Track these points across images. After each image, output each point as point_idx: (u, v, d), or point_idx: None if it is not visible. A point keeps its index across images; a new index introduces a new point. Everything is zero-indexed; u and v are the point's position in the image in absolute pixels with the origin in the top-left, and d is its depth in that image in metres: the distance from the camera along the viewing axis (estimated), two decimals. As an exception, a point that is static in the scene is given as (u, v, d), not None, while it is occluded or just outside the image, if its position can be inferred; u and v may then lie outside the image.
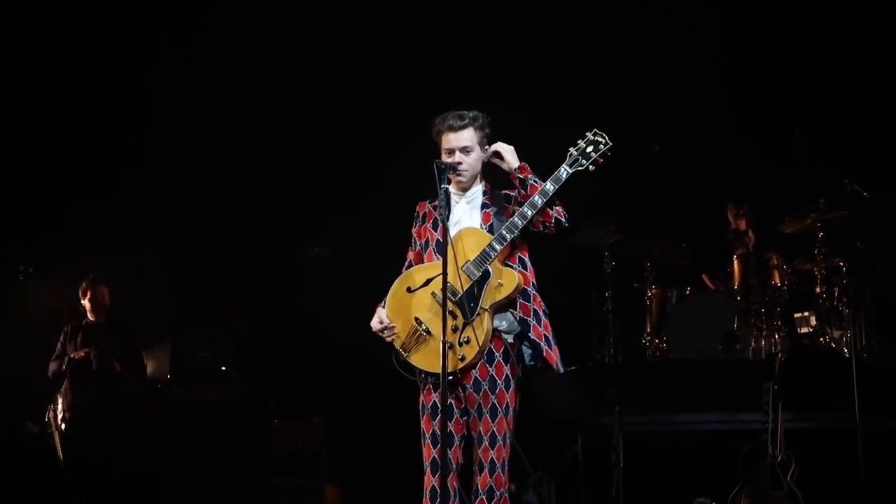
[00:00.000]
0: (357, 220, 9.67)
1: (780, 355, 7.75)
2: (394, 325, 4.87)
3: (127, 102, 9.54)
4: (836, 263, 8.45)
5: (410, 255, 5.10)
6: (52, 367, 8.29)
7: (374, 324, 4.92)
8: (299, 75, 9.56)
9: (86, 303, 8.44)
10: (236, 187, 9.64)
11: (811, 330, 8.60)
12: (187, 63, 9.49)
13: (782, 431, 6.87)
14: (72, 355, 8.15)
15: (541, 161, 4.96)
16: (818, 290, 8.51)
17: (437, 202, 4.93)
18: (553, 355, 4.86)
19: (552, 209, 4.80)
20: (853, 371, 6.97)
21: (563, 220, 4.83)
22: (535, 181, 4.80)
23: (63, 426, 8.09)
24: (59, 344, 8.37)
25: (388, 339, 4.88)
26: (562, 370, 4.92)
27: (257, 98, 9.50)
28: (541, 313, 4.89)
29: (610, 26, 9.25)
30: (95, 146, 9.61)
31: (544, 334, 4.86)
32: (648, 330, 8.82)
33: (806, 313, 8.71)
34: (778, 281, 8.61)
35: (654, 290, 8.86)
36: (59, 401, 8.17)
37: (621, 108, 9.23)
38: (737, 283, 8.75)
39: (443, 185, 4.75)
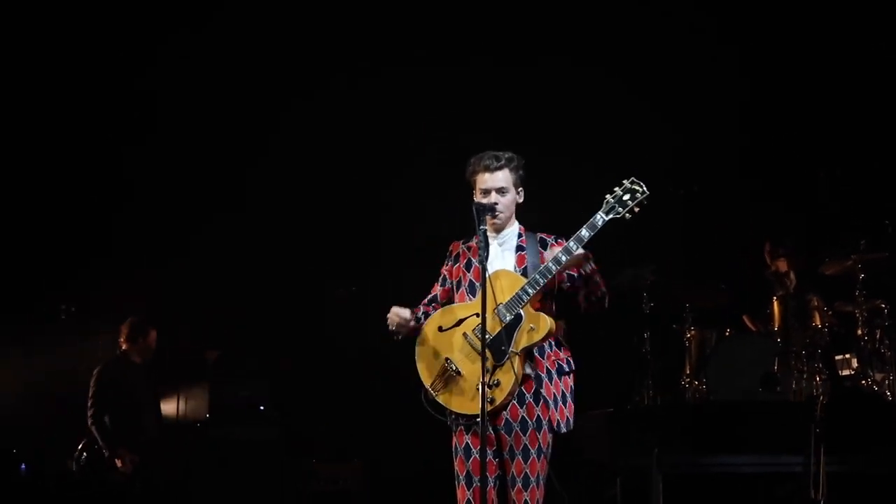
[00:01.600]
0: (382, 256, 9.71)
1: (821, 398, 7.67)
2: (410, 320, 4.95)
3: (138, 137, 9.65)
4: (877, 305, 8.37)
5: (437, 290, 5.15)
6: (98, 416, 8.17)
7: (391, 315, 4.96)
8: (318, 108, 9.66)
9: (132, 345, 8.49)
10: (260, 227, 9.71)
11: (853, 372, 8.51)
12: (203, 92, 9.60)
13: (824, 475, 6.79)
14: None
15: (570, 201, 5.00)
16: (859, 332, 8.42)
17: (471, 243, 4.98)
18: (562, 413, 4.88)
19: (597, 287, 4.88)
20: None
21: (605, 300, 4.92)
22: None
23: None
24: (98, 388, 8.25)
25: (395, 332, 4.95)
26: (564, 430, 4.90)
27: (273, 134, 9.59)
28: (555, 372, 4.88)
29: (644, 65, 9.27)
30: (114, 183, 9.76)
31: (554, 393, 4.86)
32: (688, 371, 8.76)
33: (847, 355, 8.63)
34: (818, 323, 8.54)
35: (692, 332, 8.82)
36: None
37: (659, 149, 9.27)
38: (777, 325, 8.69)
39: (482, 227, 4.78)
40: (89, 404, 8.19)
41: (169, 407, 9.32)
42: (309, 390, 9.60)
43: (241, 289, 9.70)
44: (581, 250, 4.79)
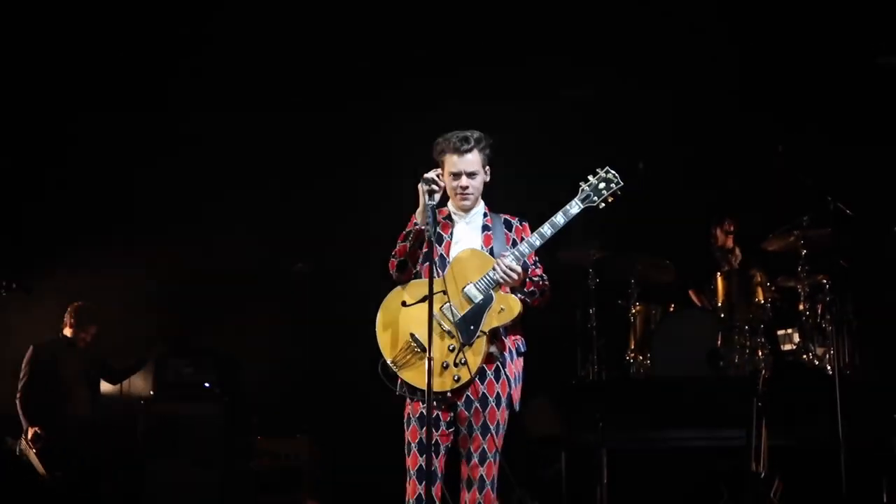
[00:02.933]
0: (341, 234, 9.65)
1: (763, 372, 7.76)
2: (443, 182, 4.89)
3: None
4: (819, 280, 8.47)
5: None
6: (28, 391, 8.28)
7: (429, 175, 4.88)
8: (284, 91, 9.56)
9: (77, 330, 8.58)
10: (216, 203, 9.61)
11: (794, 347, 8.61)
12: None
13: (766, 448, 6.87)
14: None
15: (506, 175, 5.01)
16: (801, 307, 8.52)
17: (439, 217, 4.97)
18: (516, 393, 4.92)
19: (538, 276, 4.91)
20: (836, 388, 6.98)
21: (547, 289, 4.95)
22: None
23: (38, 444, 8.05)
24: (31, 367, 8.35)
25: (430, 190, 4.83)
26: (518, 409, 4.95)
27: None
28: (514, 352, 4.91)
29: (588, 40, 9.25)
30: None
31: (516, 372, 4.90)
32: (632, 347, 8.81)
33: (789, 330, 8.72)
34: (761, 298, 8.62)
35: (638, 307, 8.86)
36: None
37: (604, 125, 9.28)
38: (720, 301, 8.76)
39: (430, 202, 4.76)
40: (20, 383, 8.31)
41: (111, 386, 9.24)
42: (257, 368, 9.54)
43: (192, 265, 9.62)
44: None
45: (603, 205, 4.93)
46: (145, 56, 9.27)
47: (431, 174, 4.86)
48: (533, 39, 9.21)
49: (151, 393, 9.01)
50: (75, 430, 8.28)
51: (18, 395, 8.28)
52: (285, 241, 9.72)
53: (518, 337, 4.97)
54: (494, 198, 5.15)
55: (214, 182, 9.57)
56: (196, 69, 9.38)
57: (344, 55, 9.41)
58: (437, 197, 4.87)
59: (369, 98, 9.51)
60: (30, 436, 8.05)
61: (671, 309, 8.93)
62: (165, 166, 9.53)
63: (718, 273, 8.90)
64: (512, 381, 4.87)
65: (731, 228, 9.25)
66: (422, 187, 4.81)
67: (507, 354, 4.87)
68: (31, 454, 7.97)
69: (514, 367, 4.91)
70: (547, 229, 4.82)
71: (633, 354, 8.78)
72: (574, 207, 4.88)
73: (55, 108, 9.35)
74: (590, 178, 4.97)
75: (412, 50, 9.32)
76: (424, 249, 4.88)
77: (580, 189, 4.94)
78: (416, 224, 4.88)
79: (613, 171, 4.98)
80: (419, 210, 4.85)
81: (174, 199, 9.66)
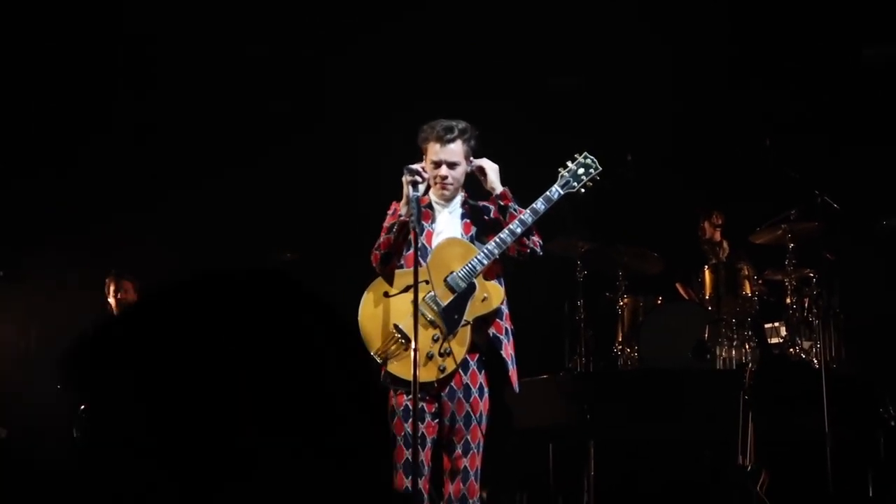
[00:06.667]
0: (327, 224, 9.61)
1: (750, 365, 7.77)
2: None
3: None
4: (806, 274, 8.49)
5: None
6: None
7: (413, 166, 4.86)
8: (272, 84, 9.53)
9: (112, 299, 8.41)
10: (199, 191, 9.57)
11: (781, 340, 8.63)
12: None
13: (752, 441, 6.88)
14: None
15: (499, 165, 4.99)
16: (788, 300, 8.53)
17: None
18: (514, 375, 4.90)
19: (529, 238, 4.85)
20: (823, 381, 6.99)
21: (538, 250, 4.90)
22: (514, 209, 4.84)
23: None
24: None
25: (413, 181, 4.81)
26: (518, 390, 4.95)
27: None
28: (511, 333, 4.92)
29: (577, 32, 9.23)
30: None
31: (511, 354, 4.90)
32: (620, 339, 8.82)
33: (776, 324, 8.74)
34: (748, 291, 8.63)
35: (625, 300, 8.86)
36: None
37: (591, 116, 9.27)
38: (708, 293, 8.77)
39: (414, 193, 4.74)
40: None
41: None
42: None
43: (179, 254, 9.57)
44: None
45: (583, 190, 4.97)
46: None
47: (416, 166, 4.85)
48: (521, 29, 9.19)
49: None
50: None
51: None
52: (272, 230, 9.68)
53: (508, 321, 4.97)
54: (482, 188, 5.13)
55: (200, 169, 9.53)
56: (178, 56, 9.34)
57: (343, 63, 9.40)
58: (422, 188, 4.85)
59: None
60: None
61: (659, 301, 8.94)
62: (144, 158, 9.49)
63: (706, 266, 8.91)
64: (509, 362, 4.89)
65: (719, 221, 9.27)
66: (405, 178, 4.79)
67: (503, 336, 4.87)
68: None
69: (512, 348, 4.93)
70: (528, 216, 4.83)
71: (620, 346, 8.79)
72: (555, 194, 4.92)
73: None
74: (568, 163, 5.02)
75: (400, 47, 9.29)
76: (410, 240, 4.87)
77: (559, 175, 4.98)
78: (399, 215, 4.86)
79: (592, 157, 5.05)
80: (403, 201, 4.84)
81: (153, 192, 9.57)
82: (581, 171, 4.98)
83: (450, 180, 4.94)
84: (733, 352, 8.34)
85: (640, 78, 9.39)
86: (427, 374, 4.67)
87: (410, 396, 4.65)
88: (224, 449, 1.86)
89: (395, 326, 4.76)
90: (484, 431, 4.83)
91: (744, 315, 8.49)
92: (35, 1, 8.85)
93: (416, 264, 4.61)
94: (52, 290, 8.93)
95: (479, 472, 4.82)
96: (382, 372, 4.80)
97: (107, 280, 8.47)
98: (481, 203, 5.07)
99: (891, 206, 8.41)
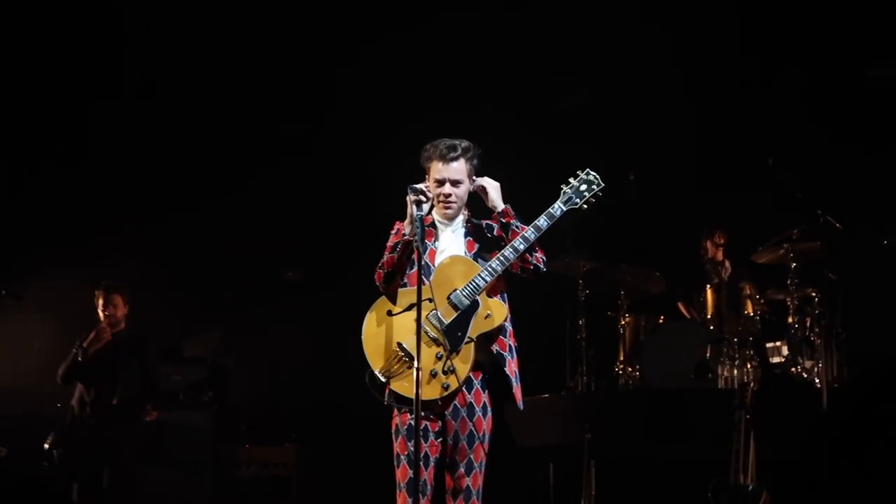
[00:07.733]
0: (331, 243, 9.63)
1: (752, 385, 7.76)
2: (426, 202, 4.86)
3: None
4: (808, 294, 8.49)
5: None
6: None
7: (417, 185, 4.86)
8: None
9: (101, 313, 7.97)
10: (203, 212, 9.59)
11: (783, 360, 8.62)
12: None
13: (754, 461, 6.87)
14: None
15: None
16: (790, 320, 8.54)
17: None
18: (518, 392, 4.90)
19: (532, 255, 4.86)
20: (824, 401, 6.99)
21: (542, 266, 4.91)
22: (517, 226, 4.86)
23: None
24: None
25: (417, 201, 4.80)
26: (522, 407, 4.95)
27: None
28: (514, 350, 4.92)
29: (585, 48, 9.26)
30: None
31: (515, 371, 4.90)
32: (622, 358, 8.81)
33: (778, 343, 8.74)
34: (751, 311, 8.64)
35: (627, 319, 8.86)
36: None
37: (595, 135, 9.29)
38: (710, 313, 8.77)
39: (418, 213, 4.75)
40: None
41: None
42: (246, 376, 9.53)
43: (182, 271, 9.61)
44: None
45: (585, 206, 4.98)
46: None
47: (419, 185, 4.86)
48: (531, 48, 9.24)
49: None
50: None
51: None
52: (276, 249, 9.70)
53: (512, 338, 4.98)
54: (484, 206, 5.15)
55: (202, 188, 9.56)
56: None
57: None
58: (426, 208, 4.87)
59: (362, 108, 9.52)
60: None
61: (660, 320, 8.94)
62: (156, 172, 9.52)
63: (708, 285, 8.91)
64: (513, 379, 4.87)
65: (722, 241, 9.27)
66: (409, 197, 4.81)
67: (507, 353, 4.88)
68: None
69: (515, 365, 4.92)
70: (531, 233, 4.84)
71: (622, 366, 8.78)
72: (557, 210, 4.94)
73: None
74: (571, 180, 5.04)
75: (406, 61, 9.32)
76: (413, 259, 4.88)
77: (562, 192, 5.00)
78: (403, 234, 4.88)
79: (594, 173, 5.06)
80: (407, 220, 4.85)
81: (161, 205, 9.60)
82: (583, 187, 5.00)
83: (453, 198, 4.95)
84: (735, 371, 8.34)
85: (645, 96, 9.42)
86: (431, 392, 4.67)
87: (413, 416, 4.65)
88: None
89: (399, 345, 4.77)
90: (487, 451, 4.83)
91: (746, 334, 8.49)
92: (33, 26, 8.90)
93: (420, 282, 4.61)
94: (53, 308, 8.93)
95: (481, 491, 4.82)
96: (386, 391, 4.80)
97: (96, 293, 8.02)
98: (484, 221, 5.09)
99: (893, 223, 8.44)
